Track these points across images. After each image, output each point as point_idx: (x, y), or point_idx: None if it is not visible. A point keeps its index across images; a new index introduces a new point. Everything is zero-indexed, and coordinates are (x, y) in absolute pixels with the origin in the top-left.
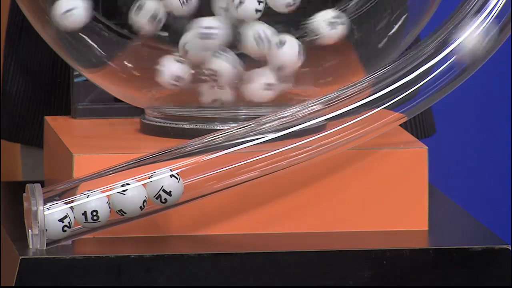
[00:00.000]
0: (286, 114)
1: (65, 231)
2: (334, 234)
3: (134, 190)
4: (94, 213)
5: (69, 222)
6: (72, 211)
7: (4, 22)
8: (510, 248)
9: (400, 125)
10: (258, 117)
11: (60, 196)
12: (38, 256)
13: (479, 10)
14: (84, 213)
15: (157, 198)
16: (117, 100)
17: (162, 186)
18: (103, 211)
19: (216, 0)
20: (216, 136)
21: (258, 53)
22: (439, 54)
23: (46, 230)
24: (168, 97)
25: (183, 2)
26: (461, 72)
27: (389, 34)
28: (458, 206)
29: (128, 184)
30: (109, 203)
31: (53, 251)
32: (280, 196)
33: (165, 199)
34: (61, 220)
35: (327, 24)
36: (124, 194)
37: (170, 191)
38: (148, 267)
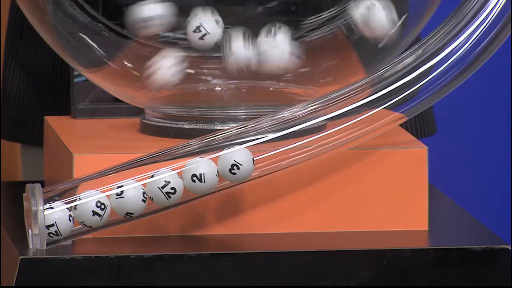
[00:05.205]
0: (286, 114)
1: (52, 236)
2: (334, 234)
3: (129, 192)
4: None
5: (55, 231)
6: (70, 217)
7: (4, 22)
8: (510, 248)
9: (400, 125)
10: (258, 117)
11: (60, 196)
12: (38, 256)
13: (479, 10)
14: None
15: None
16: (117, 100)
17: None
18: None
19: None
20: (216, 136)
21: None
22: (439, 54)
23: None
24: (168, 97)
25: None
26: (461, 72)
27: (389, 34)
28: (458, 206)
29: (122, 186)
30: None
31: (53, 251)
32: (280, 196)
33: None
34: (48, 227)
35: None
36: (123, 197)
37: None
38: (148, 267)
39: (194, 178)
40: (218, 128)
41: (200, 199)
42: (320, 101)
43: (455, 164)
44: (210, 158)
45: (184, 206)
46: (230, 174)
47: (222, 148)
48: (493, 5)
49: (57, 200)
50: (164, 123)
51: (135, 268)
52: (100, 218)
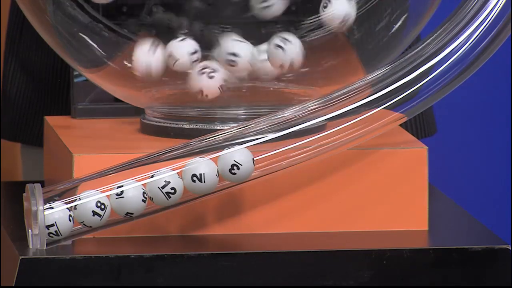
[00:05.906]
0: (286, 114)
1: (52, 236)
2: (334, 234)
3: (129, 192)
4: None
5: (55, 231)
6: (70, 217)
7: (4, 22)
8: (510, 248)
9: (400, 125)
10: (258, 117)
11: (60, 196)
12: (38, 256)
13: (479, 10)
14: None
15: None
16: (117, 100)
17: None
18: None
19: None
20: (216, 136)
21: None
22: (439, 54)
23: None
24: (168, 97)
25: None
26: (461, 72)
27: (389, 34)
28: (458, 206)
29: (122, 186)
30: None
31: (53, 251)
32: (280, 196)
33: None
34: (48, 227)
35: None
36: (123, 197)
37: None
38: (148, 267)
39: (194, 178)
40: (218, 128)
41: (200, 199)
42: (320, 101)
43: (455, 164)
44: (210, 158)
45: (184, 206)
46: (230, 174)
47: (222, 148)
48: (493, 5)
49: (57, 200)
50: (164, 123)
51: (135, 268)
52: (100, 218)
